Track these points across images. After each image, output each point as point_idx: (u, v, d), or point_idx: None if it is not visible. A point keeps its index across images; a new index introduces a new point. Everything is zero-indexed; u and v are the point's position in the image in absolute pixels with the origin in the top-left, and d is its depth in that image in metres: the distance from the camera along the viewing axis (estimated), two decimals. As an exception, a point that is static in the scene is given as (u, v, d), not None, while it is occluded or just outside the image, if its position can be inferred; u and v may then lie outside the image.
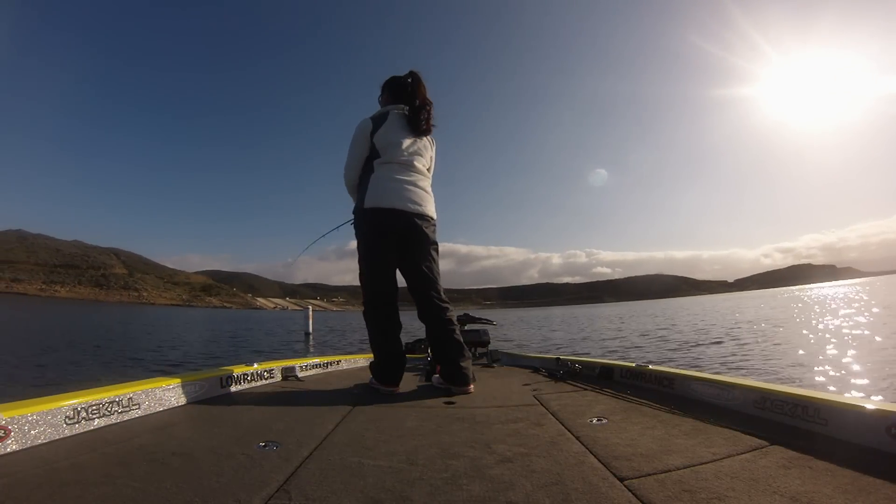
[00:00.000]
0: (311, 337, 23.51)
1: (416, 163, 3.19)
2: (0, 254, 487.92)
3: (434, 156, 3.40)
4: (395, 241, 3.11)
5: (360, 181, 3.22)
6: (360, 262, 3.21)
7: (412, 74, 3.28)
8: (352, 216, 3.28)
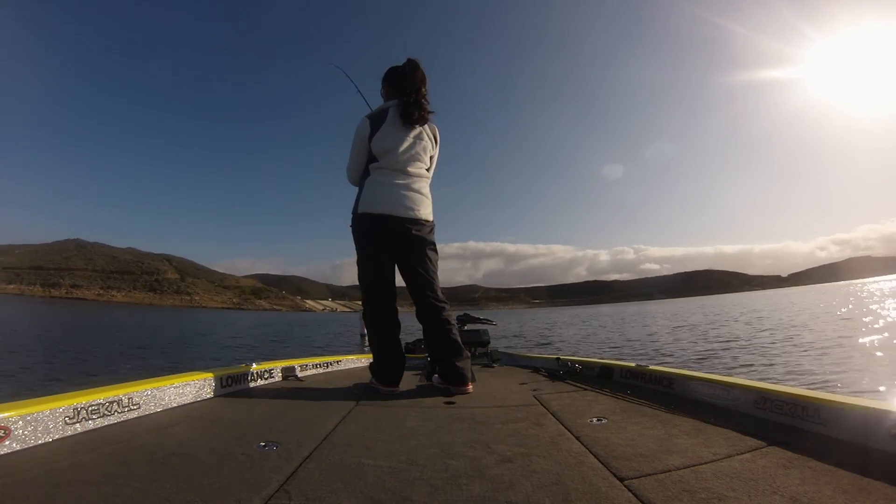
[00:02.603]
0: (366, 338, 22.88)
1: (410, 167, 3.18)
2: (60, 261, 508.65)
3: (436, 154, 3.38)
4: (389, 245, 3.13)
5: (359, 184, 3.24)
6: (357, 264, 3.23)
7: (409, 62, 3.22)
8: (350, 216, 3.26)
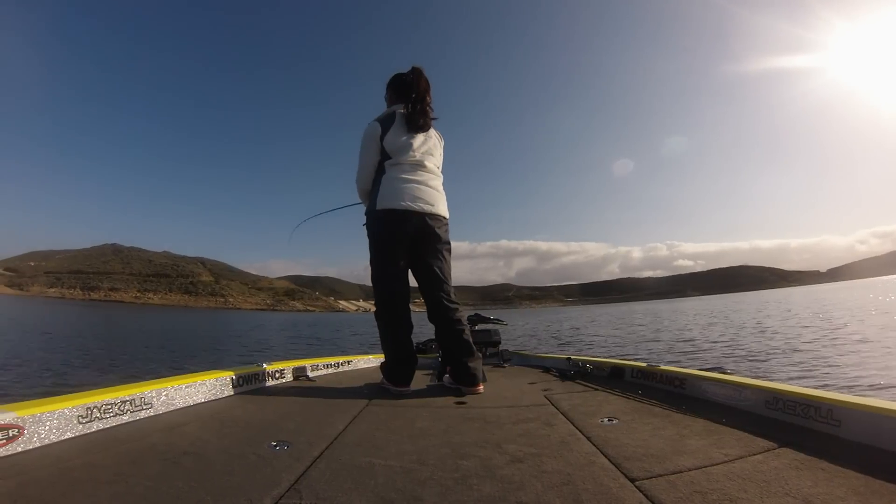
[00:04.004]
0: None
1: (427, 162, 3.20)
2: (98, 266, 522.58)
3: (443, 153, 3.39)
4: (407, 242, 3.13)
5: (372, 183, 3.23)
6: (371, 263, 3.23)
7: (414, 70, 3.25)
8: (364, 216, 3.27)
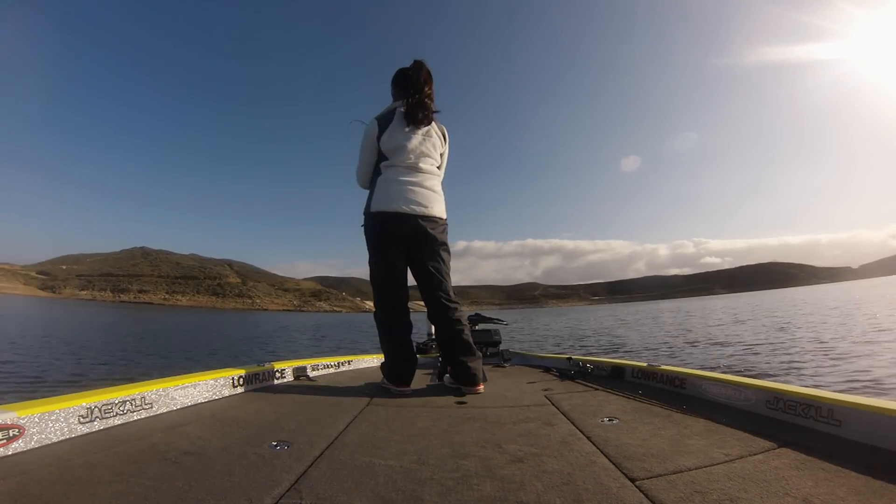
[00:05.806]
0: (431, 337, 23.03)
1: (422, 164, 3.18)
2: (128, 268, 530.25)
3: (447, 152, 3.37)
4: (401, 244, 3.13)
5: (370, 183, 3.24)
6: (369, 264, 3.23)
7: (414, 63, 3.21)
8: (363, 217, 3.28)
